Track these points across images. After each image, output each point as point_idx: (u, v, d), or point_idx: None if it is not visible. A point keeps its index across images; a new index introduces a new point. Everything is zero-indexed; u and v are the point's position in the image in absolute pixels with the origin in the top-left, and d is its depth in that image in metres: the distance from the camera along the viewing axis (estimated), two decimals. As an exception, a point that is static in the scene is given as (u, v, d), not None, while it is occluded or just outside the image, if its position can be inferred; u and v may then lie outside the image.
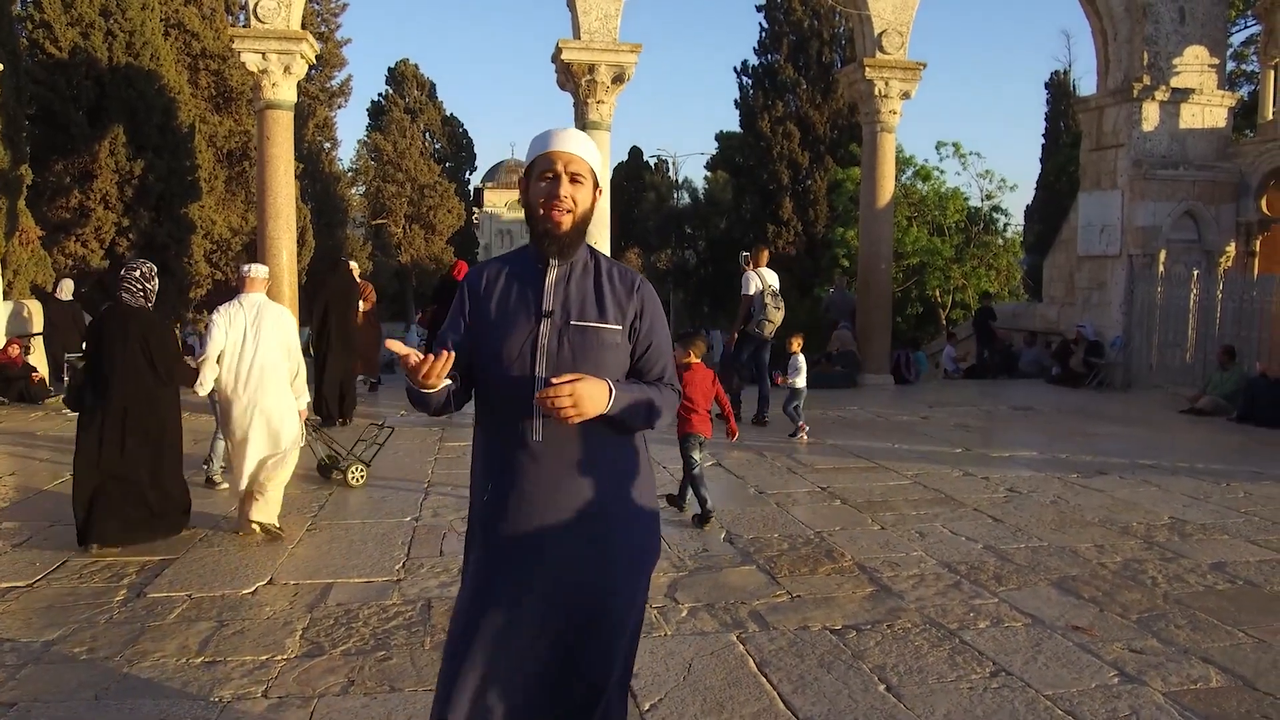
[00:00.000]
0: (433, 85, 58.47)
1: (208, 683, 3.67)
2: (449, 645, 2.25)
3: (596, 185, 2.31)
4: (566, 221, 2.24)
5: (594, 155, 2.31)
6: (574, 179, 2.25)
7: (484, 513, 2.28)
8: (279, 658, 3.91)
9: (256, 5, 11.87)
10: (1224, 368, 11.71)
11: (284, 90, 12.13)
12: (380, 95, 55.31)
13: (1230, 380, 11.40)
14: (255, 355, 5.66)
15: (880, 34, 13.17)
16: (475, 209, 64.83)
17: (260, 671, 3.78)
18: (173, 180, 22.82)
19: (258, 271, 5.95)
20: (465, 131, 60.51)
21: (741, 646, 3.99)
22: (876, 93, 13.24)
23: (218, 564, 5.24)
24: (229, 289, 26.70)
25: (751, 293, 10.09)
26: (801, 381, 9.44)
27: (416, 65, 57.46)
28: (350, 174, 49.23)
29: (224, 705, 3.48)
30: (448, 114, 58.89)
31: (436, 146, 58.03)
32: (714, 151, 39.55)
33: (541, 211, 2.24)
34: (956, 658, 3.88)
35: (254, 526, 5.72)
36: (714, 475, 7.63)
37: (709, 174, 41.92)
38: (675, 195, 46.10)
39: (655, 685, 3.59)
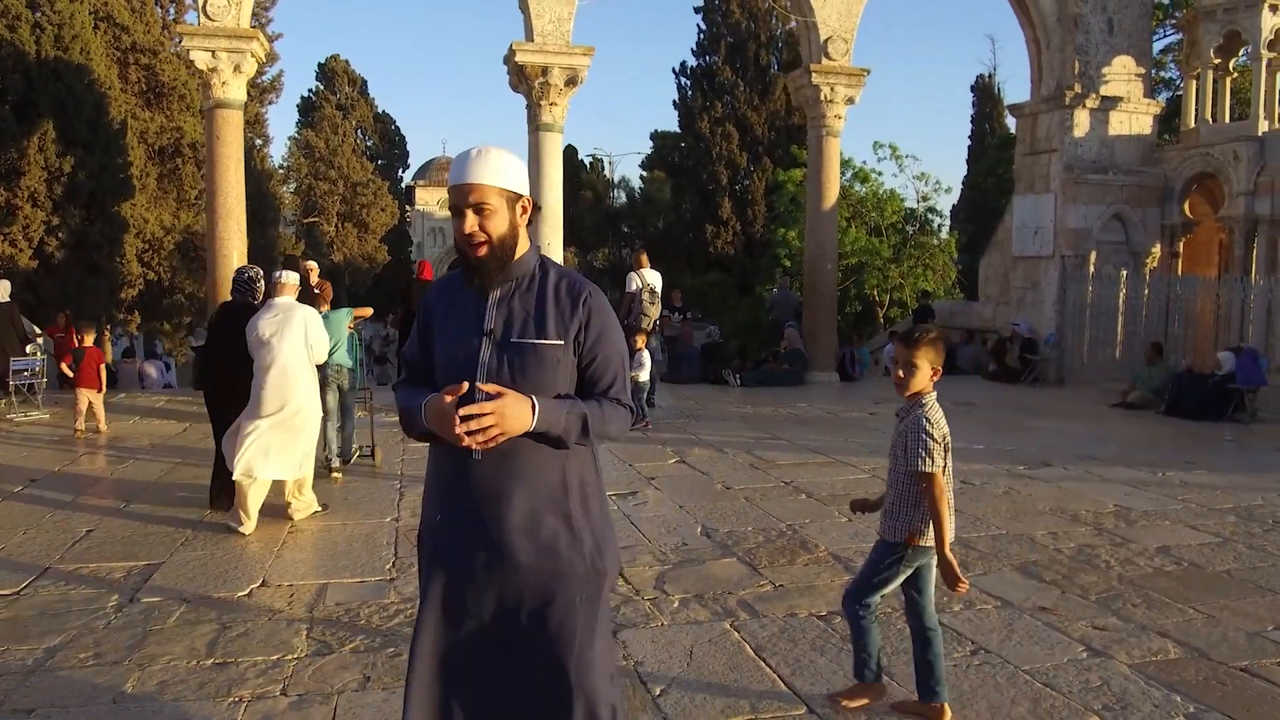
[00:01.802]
0: (364, 81, 57.61)
1: (224, 683, 3.75)
2: (411, 662, 2.28)
3: (517, 200, 2.26)
4: (483, 252, 2.22)
5: (500, 175, 2.23)
6: (478, 209, 2.20)
7: (433, 530, 2.32)
8: (289, 657, 4.00)
9: (206, 3, 11.72)
10: (1152, 363, 12.35)
11: (234, 89, 12.00)
12: (311, 91, 54.30)
13: (1158, 375, 12.03)
14: (279, 355, 5.97)
15: (826, 40, 13.54)
16: (407, 207, 64.03)
17: (274, 671, 3.86)
18: (104, 178, 22.22)
19: (289, 277, 6.33)
20: (398, 129, 59.77)
21: (736, 634, 4.21)
22: (822, 98, 13.61)
23: (205, 567, 5.27)
24: (161, 289, 26.13)
25: (633, 290, 11.24)
26: (644, 376, 10.13)
27: (347, 61, 56.59)
28: (282, 171, 48.26)
29: (246, 704, 3.57)
30: (380, 111, 58.15)
31: (369, 144, 57.21)
32: (649, 151, 39.90)
33: (460, 246, 2.26)
34: (938, 639, 4.15)
35: (292, 518, 6.21)
36: (679, 472, 7.86)
37: (644, 173, 42.22)
38: (612, 194, 46.26)
39: (663, 671, 3.79)
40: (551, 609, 2.22)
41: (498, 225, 2.22)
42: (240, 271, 6.78)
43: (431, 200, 68.31)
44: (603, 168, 48.95)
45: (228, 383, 6.31)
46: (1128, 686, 3.66)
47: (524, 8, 12.57)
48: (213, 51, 11.80)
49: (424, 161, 68.56)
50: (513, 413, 2.09)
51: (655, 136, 39.42)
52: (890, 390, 14.50)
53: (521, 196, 2.27)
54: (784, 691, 3.62)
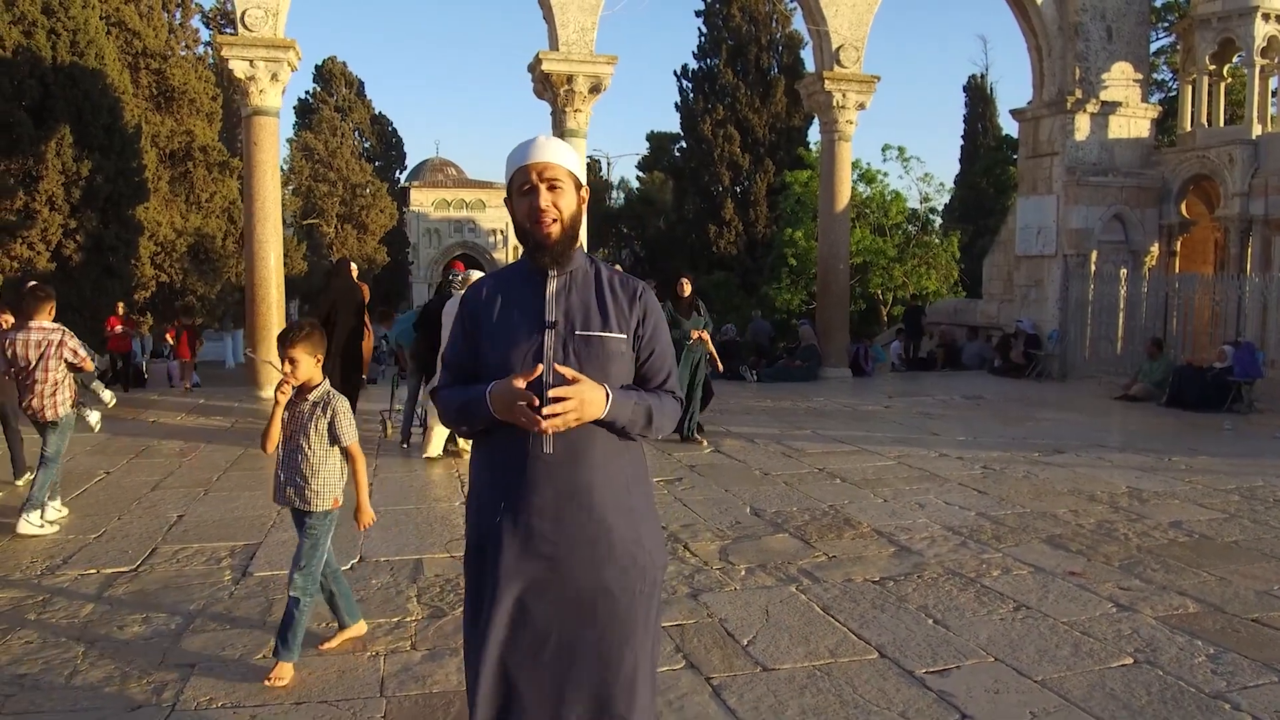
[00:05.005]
0: (361, 83, 57.92)
1: (358, 641, 4.23)
2: (471, 665, 2.29)
3: (579, 186, 2.32)
4: (555, 230, 2.25)
5: (569, 158, 2.30)
6: (552, 186, 2.26)
7: (496, 530, 2.27)
8: (409, 619, 4.48)
9: (244, 13, 12.18)
10: (1152, 358, 12.91)
11: (271, 97, 12.46)
12: (308, 93, 54.66)
13: (1159, 369, 12.60)
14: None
15: (838, 49, 14.08)
16: (403, 208, 64.25)
17: (398, 631, 4.34)
18: (120, 181, 22.56)
19: (474, 276, 7.94)
20: (395, 130, 60.09)
21: (803, 596, 4.72)
22: (835, 104, 14.14)
23: (302, 546, 5.74)
24: (173, 291, 26.51)
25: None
26: None
27: (344, 63, 56.90)
28: (283, 172, 48.57)
29: (384, 657, 4.05)
30: (377, 112, 58.46)
31: (366, 145, 57.52)
32: (646, 152, 40.46)
33: (529, 225, 2.27)
34: (982, 598, 4.68)
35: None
36: (718, 460, 8.37)
37: (641, 174, 42.75)
38: (613, 195, 46.78)
39: (746, 626, 4.29)
40: (619, 602, 2.25)
41: (568, 204, 2.28)
42: (454, 273, 8.84)
43: (426, 201, 68.51)
44: (600, 169, 49.51)
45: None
46: (1155, 634, 4.18)
47: (549, 19, 13.06)
48: (251, 61, 12.26)
49: (418, 162, 68.88)
50: (590, 398, 2.13)
51: (652, 137, 39.99)
52: (903, 384, 15.14)
53: (583, 184, 2.36)
54: (856, 641, 4.13)
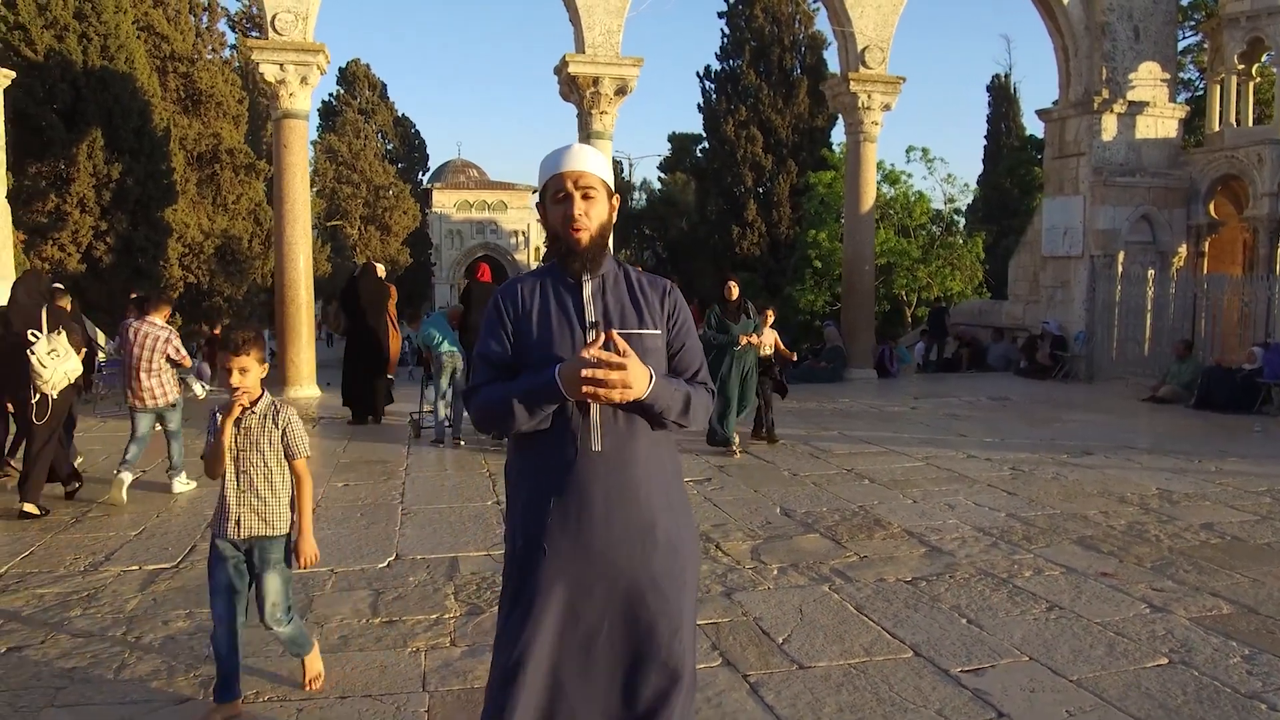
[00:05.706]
0: (384, 85, 58.31)
1: (398, 637, 4.29)
2: (506, 669, 2.27)
3: (611, 194, 2.40)
4: (585, 238, 2.32)
5: (603, 167, 2.37)
6: (586, 195, 2.32)
7: (546, 530, 2.29)
8: (448, 616, 4.55)
9: (274, 17, 12.32)
10: (1181, 359, 12.83)
11: (300, 100, 12.60)
12: (332, 95, 55.09)
13: (1187, 370, 12.52)
14: None
15: (863, 50, 14.08)
16: (425, 210, 64.62)
17: (437, 627, 4.41)
18: (150, 184, 22.85)
19: None
20: (417, 132, 60.50)
21: (836, 595, 4.75)
22: (860, 105, 14.14)
23: (338, 545, 5.81)
24: (200, 292, 26.82)
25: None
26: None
27: (368, 65, 57.32)
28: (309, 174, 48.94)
29: (424, 652, 4.12)
30: (399, 114, 58.84)
31: (389, 147, 57.88)
32: (668, 153, 40.58)
33: (562, 232, 2.34)
34: (1015, 598, 4.70)
35: None
36: (746, 461, 8.40)
37: (663, 175, 42.83)
38: (635, 196, 46.87)
39: (781, 624, 4.34)
40: (667, 593, 2.30)
41: (600, 212, 2.35)
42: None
43: (448, 203, 68.85)
44: (622, 170, 49.59)
45: None
46: (1189, 635, 4.19)
47: (575, 21, 13.13)
48: (281, 65, 12.40)
49: (440, 164, 69.15)
50: (635, 374, 2.19)
51: (674, 138, 40.07)
52: (929, 385, 15.14)
53: (615, 193, 2.43)
54: (890, 639, 4.16)
